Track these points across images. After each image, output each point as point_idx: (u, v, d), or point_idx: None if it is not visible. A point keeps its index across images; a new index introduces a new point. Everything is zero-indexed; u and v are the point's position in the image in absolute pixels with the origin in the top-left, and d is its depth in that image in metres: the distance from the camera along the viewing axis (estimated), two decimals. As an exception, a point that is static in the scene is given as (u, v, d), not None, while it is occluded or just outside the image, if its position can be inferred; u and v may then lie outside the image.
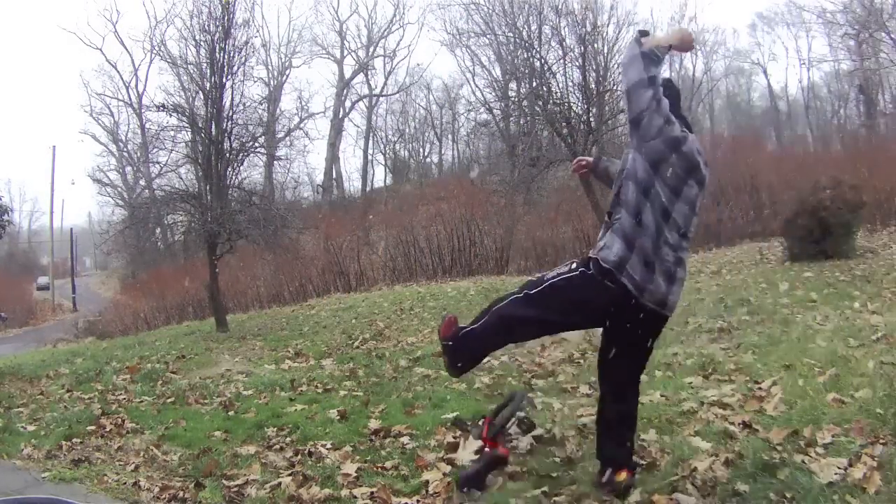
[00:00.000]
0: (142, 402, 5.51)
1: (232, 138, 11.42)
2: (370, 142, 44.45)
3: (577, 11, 12.64)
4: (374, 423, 4.30)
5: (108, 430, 4.59)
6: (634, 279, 2.54)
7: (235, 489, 3.27)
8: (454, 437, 3.46)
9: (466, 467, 3.08)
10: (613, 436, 2.81)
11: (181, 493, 3.24)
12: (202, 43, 12.00)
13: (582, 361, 5.64)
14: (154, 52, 37.97)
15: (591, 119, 10.92)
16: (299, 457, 3.73)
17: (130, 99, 40.79)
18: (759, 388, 3.92)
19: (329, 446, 3.92)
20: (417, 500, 3.03)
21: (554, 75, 11.65)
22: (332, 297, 17.05)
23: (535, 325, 2.78)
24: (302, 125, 40.15)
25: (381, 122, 44.96)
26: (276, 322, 12.79)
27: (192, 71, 13.68)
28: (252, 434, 4.30)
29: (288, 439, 4.15)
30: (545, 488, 2.90)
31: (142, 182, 38.53)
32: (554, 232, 17.96)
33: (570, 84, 11.59)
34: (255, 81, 14.26)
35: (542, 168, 11.92)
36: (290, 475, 3.42)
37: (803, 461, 2.80)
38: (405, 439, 3.94)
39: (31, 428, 4.74)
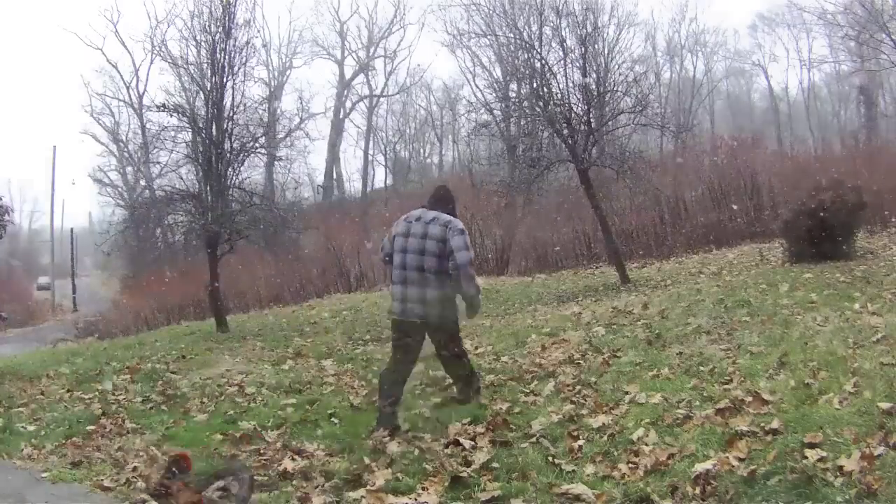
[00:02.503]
0: (142, 401, 5.50)
1: (232, 139, 11.40)
2: (371, 142, 44.44)
3: (578, 12, 12.63)
4: (374, 425, 4.30)
5: (108, 430, 4.59)
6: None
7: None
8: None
9: None
10: None
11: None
12: (203, 43, 11.98)
13: (582, 362, 5.64)
14: (155, 52, 37.89)
15: (592, 120, 10.89)
16: (299, 458, 3.73)
17: (131, 99, 40.76)
18: (759, 390, 3.92)
19: (329, 447, 3.92)
20: (415, 499, 3.03)
21: (554, 76, 11.63)
22: (332, 297, 17.05)
23: None
24: (302, 125, 39.99)
25: (381, 122, 44.97)
26: (276, 322, 12.77)
27: (192, 71, 13.66)
28: (251, 435, 4.30)
29: (287, 440, 4.15)
30: None
31: (142, 182, 38.47)
32: (554, 232, 17.96)
33: (571, 85, 11.57)
34: (255, 82, 14.21)
35: (542, 169, 11.88)
36: (290, 477, 3.42)
37: (804, 462, 2.80)
38: (405, 443, 3.94)
39: (31, 428, 4.74)
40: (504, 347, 6.91)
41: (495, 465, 3.39)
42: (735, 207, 14.95)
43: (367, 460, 3.56)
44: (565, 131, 10.76)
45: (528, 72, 13.59)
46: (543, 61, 12.03)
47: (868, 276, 7.78)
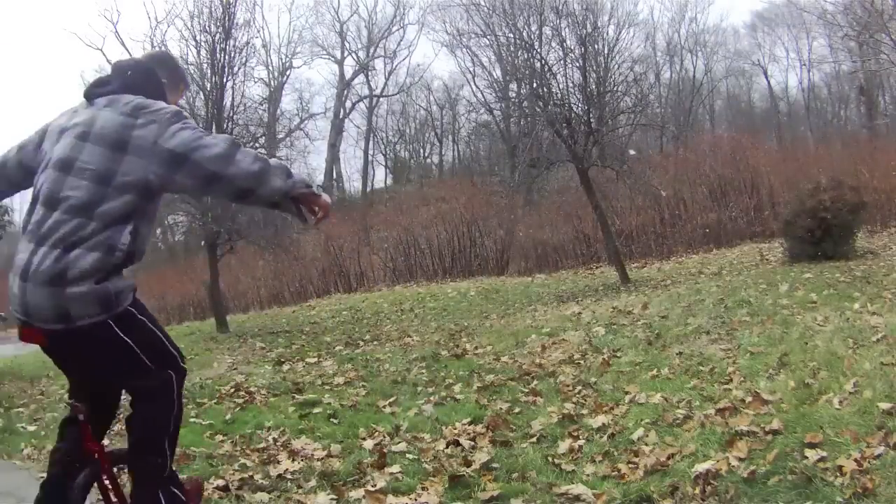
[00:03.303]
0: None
1: (232, 139, 11.43)
2: (370, 142, 44.44)
3: (578, 12, 12.64)
4: (374, 425, 4.30)
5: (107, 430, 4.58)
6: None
7: (234, 493, 3.27)
8: None
9: None
10: None
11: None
12: (203, 44, 12.03)
13: (582, 362, 5.64)
14: (155, 52, 37.93)
15: (592, 120, 10.89)
16: (299, 458, 3.73)
17: (131, 99, 40.76)
18: (759, 390, 3.92)
19: (327, 448, 3.92)
20: (415, 499, 3.03)
21: (554, 76, 11.65)
22: (332, 297, 17.06)
23: None
24: (302, 126, 40.13)
25: (381, 122, 44.94)
26: (276, 322, 12.79)
27: (192, 71, 13.68)
28: (251, 435, 4.30)
29: (287, 440, 4.15)
30: None
31: (142, 182, 38.42)
32: (554, 232, 17.95)
33: (571, 85, 11.59)
34: (255, 82, 14.32)
35: (542, 169, 11.90)
36: (289, 478, 3.42)
37: (804, 462, 2.80)
38: (405, 443, 3.94)
39: (31, 428, 4.74)
40: (504, 347, 6.91)
41: (495, 465, 3.39)
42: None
43: (367, 461, 3.56)
44: (565, 131, 10.76)
45: (527, 72, 13.59)
46: (543, 61, 12.04)
47: (868, 276, 7.79)
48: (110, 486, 2.23)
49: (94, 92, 2.13)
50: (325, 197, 2.18)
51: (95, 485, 2.18)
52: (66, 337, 2.00)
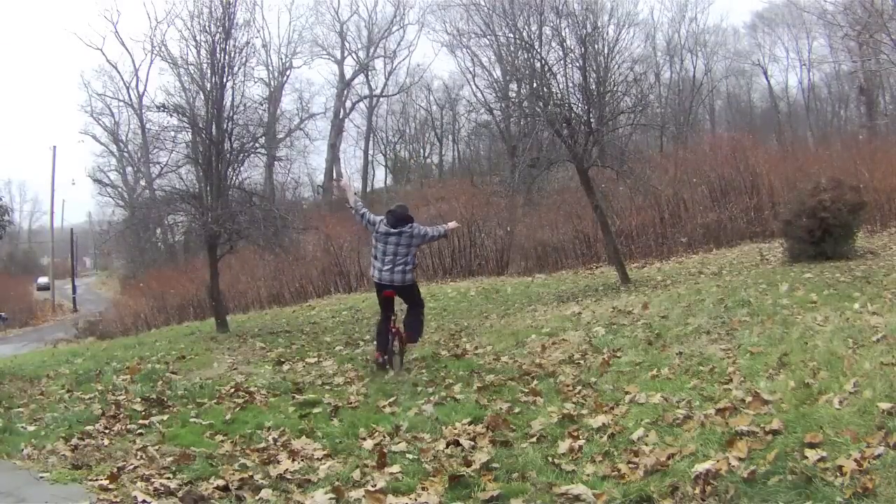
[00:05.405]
0: (141, 402, 5.50)
1: (232, 139, 11.39)
2: (370, 142, 44.54)
3: (578, 12, 12.64)
4: (374, 425, 4.30)
5: (107, 430, 4.58)
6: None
7: (235, 493, 3.27)
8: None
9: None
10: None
11: (179, 494, 3.23)
12: (203, 43, 11.99)
13: (582, 362, 5.64)
14: (154, 52, 38.09)
15: (592, 120, 10.88)
16: (297, 459, 3.73)
17: (131, 99, 40.84)
18: (759, 390, 3.91)
19: (327, 448, 3.92)
20: (415, 499, 3.03)
21: (554, 76, 11.63)
22: (332, 297, 17.05)
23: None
24: (302, 126, 40.22)
25: (381, 122, 45.05)
26: (276, 322, 12.78)
27: (192, 71, 13.70)
28: (251, 435, 4.30)
29: (287, 440, 4.15)
30: None
31: (142, 182, 38.53)
32: (554, 232, 17.95)
33: (571, 85, 11.58)
34: (255, 82, 14.27)
35: (542, 169, 11.87)
36: (289, 478, 3.42)
37: (804, 462, 2.80)
38: (405, 443, 3.94)
39: (31, 428, 4.74)
40: (504, 347, 6.91)
41: (495, 465, 3.40)
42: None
43: (367, 461, 3.56)
44: (565, 131, 10.74)
45: (527, 72, 13.58)
46: (543, 61, 12.03)
47: (868, 276, 7.78)
48: (396, 340, 6.43)
49: (397, 224, 6.32)
50: (452, 226, 7.25)
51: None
52: (402, 287, 6.36)
